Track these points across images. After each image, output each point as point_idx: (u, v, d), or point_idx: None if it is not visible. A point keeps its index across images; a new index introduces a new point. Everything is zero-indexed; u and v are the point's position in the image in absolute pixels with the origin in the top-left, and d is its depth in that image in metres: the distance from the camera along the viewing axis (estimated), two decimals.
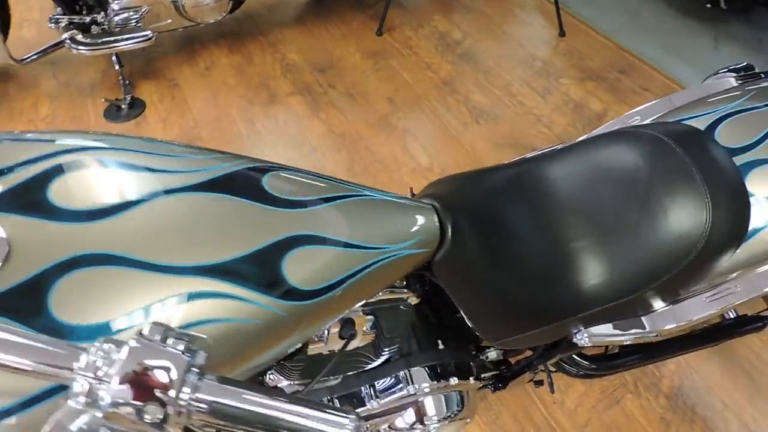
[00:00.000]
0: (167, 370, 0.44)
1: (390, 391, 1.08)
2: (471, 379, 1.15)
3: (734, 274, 0.97)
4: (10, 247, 0.53)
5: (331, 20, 2.88)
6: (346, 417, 0.51)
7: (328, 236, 0.69)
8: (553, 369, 1.30)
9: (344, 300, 0.71)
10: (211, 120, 2.39)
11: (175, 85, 2.56)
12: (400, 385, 1.07)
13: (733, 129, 1.00)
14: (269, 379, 0.95)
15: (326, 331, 0.87)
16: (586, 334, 1.02)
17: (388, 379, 1.08)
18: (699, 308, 1.00)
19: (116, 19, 2.41)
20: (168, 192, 0.62)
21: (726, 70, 1.21)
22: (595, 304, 0.96)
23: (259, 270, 0.63)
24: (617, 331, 1.03)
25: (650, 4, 2.92)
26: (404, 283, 0.92)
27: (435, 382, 1.08)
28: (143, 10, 2.43)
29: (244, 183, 0.69)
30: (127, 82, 2.52)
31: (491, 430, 1.50)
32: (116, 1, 2.38)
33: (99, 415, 0.42)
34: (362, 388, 1.10)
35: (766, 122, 0.99)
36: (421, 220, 0.81)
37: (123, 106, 2.46)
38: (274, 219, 0.67)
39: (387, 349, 0.98)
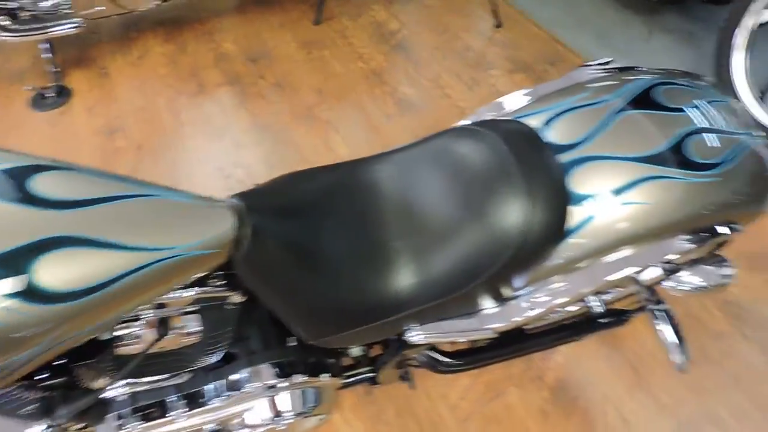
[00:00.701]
0: None
1: (235, 388, 1.09)
2: (323, 376, 1.16)
3: (559, 274, 0.99)
4: None
5: (272, 9, 2.86)
6: None
7: (96, 237, 0.68)
8: (416, 364, 1.32)
9: (116, 302, 0.70)
10: (136, 110, 2.38)
11: (106, 74, 2.55)
12: (246, 383, 1.08)
13: (567, 125, 1.00)
14: None
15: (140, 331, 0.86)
16: (418, 332, 1.03)
17: (236, 376, 1.09)
18: (527, 307, 1.01)
19: (44, 4, 2.39)
20: None
21: (596, 63, 1.20)
22: (416, 303, 0.97)
23: (4, 272, 0.63)
24: (451, 330, 1.04)
25: None
26: (224, 282, 0.92)
27: (280, 380, 1.09)
28: None
29: (3, 183, 0.69)
30: (56, 69, 2.50)
31: (373, 425, 1.52)
32: None
33: None
34: (208, 385, 1.11)
35: (596, 118, 0.99)
36: (212, 220, 0.80)
37: (49, 95, 2.45)
38: (31, 220, 0.66)
39: (211, 348, 0.99)
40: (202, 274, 0.84)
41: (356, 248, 0.96)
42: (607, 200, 0.93)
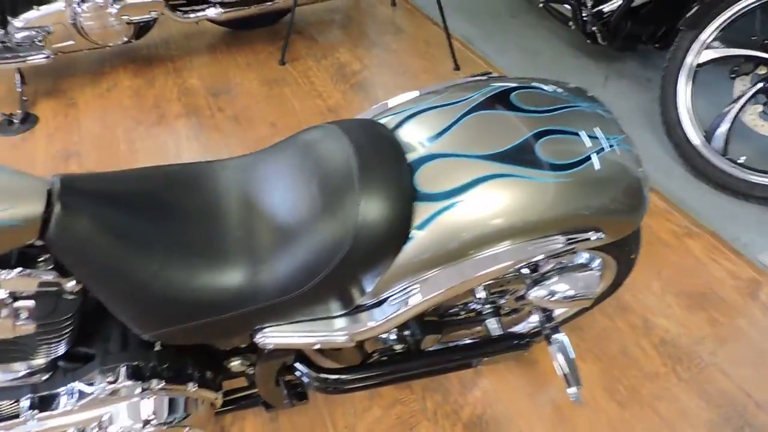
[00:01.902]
0: None
1: (89, 390, 1.04)
2: (190, 385, 1.10)
3: (412, 275, 0.94)
4: None
5: (242, 50, 2.95)
6: None
7: None
8: (297, 382, 1.24)
9: None
10: (95, 137, 2.42)
11: (73, 104, 2.61)
12: (99, 385, 1.02)
13: (419, 124, 1.00)
14: None
15: None
16: (268, 335, 0.98)
17: (90, 377, 1.04)
18: (387, 309, 0.97)
19: (18, 36, 2.48)
20: None
21: (478, 74, 1.21)
22: (256, 300, 0.92)
23: None
24: (302, 334, 0.99)
25: (551, 43, 2.97)
26: (51, 266, 0.89)
27: (135, 383, 1.03)
28: (46, 29, 2.50)
29: None
30: (24, 98, 2.58)
31: None
32: (17, 20, 2.46)
33: None
34: (63, 386, 1.06)
35: (448, 117, 0.98)
36: (18, 192, 0.78)
37: (15, 121, 2.51)
38: None
39: (49, 339, 0.94)
40: (8, 250, 0.81)
41: (192, 241, 0.92)
42: (453, 198, 0.90)
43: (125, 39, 2.65)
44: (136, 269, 0.86)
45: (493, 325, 1.26)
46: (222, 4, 2.71)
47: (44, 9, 2.48)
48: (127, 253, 0.85)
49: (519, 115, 1.01)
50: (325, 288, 0.91)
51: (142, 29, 2.73)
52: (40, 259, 0.89)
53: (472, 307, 1.29)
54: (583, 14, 2.51)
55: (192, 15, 2.72)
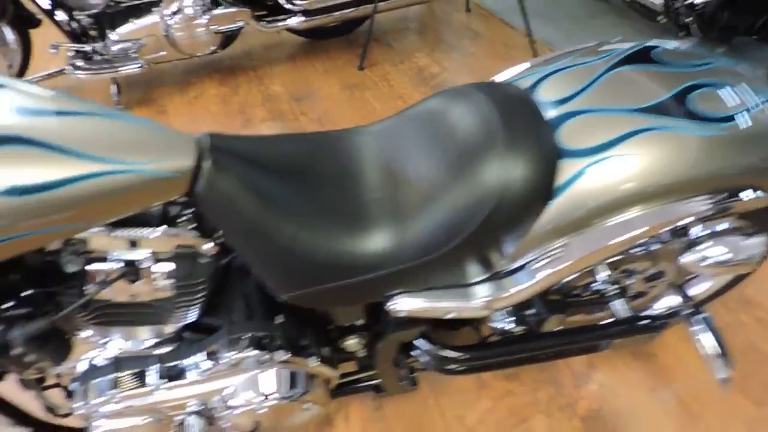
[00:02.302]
0: None
1: (215, 360, 1.03)
2: (311, 360, 1.07)
3: (554, 238, 0.89)
4: None
5: (319, 58, 3.01)
6: None
7: (44, 140, 0.68)
8: (418, 364, 1.19)
9: (68, 208, 0.69)
10: None
11: (163, 111, 2.72)
12: (225, 354, 1.01)
13: (555, 84, 0.96)
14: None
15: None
16: (398, 300, 0.94)
17: (216, 347, 1.03)
18: (526, 276, 0.91)
19: (114, 48, 2.62)
20: None
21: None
22: (394, 263, 0.90)
23: None
24: (439, 301, 0.94)
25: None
26: (194, 224, 0.89)
27: (261, 353, 1.02)
28: (140, 41, 2.63)
29: None
30: (120, 106, 2.71)
31: None
32: (114, 33, 2.60)
33: None
34: (189, 357, 1.05)
35: (586, 76, 0.95)
36: (173, 146, 0.78)
37: None
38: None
39: (184, 304, 0.94)
40: (162, 203, 0.81)
41: (332, 202, 0.91)
42: (600, 153, 0.85)
43: (212, 49, 2.76)
44: (278, 229, 0.85)
45: (619, 307, 1.18)
46: (304, 13, 2.78)
47: (139, 22, 2.62)
48: (270, 212, 0.84)
49: (664, 70, 0.96)
50: (464, 251, 0.87)
51: (227, 39, 2.82)
52: (179, 221, 0.90)
53: (596, 288, 1.21)
54: (676, 5, 2.42)
55: (275, 24, 2.80)
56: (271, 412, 1.07)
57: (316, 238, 0.86)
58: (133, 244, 0.86)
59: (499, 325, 1.18)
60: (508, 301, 0.92)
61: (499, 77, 1.09)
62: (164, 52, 2.70)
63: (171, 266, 0.88)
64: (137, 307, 0.93)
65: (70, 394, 1.20)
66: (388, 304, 0.94)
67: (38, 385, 1.17)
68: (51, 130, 0.70)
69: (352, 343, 1.16)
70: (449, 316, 0.95)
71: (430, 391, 1.46)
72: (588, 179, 0.85)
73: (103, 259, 0.85)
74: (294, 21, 2.79)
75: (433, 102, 0.97)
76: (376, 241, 0.88)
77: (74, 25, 2.63)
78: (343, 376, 1.28)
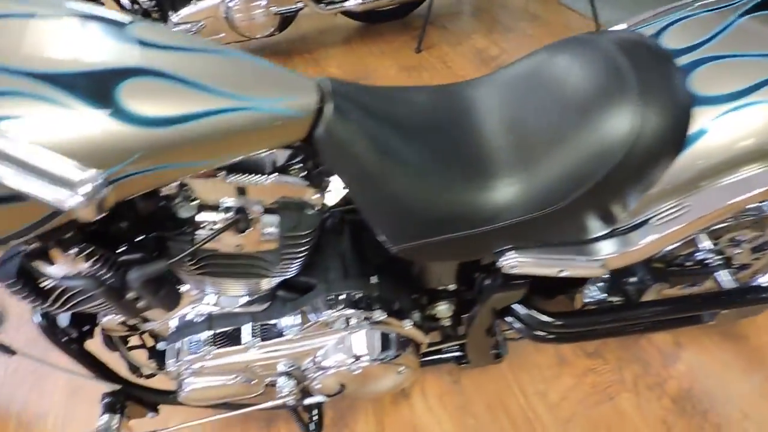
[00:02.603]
0: None
1: (311, 318, 1.01)
2: (406, 322, 1.05)
3: (681, 194, 0.84)
4: None
5: (374, 41, 2.99)
6: (83, 170, 0.48)
7: (179, 75, 0.68)
8: (516, 335, 1.16)
9: (194, 143, 0.68)
10: None
11: None
12: (322, 312, 1.00)
13: (684, 30, 0.91)
14: None
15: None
16: (512, 257, 0.91)
17: (312, 305, 1.02)
18: (646, 232, 0.87)
19: (175, 30, 2.65)
20: None
21: None
22: (511, 215, 0.86)
23: (92, 85, 0.63)
24: (551, 257, 0.91)
25: None
26: (305, 173, 0.88)
27: (358, 311, 1.00)
28: (200, 24, 2.66)
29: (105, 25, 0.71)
30: None
31: (460, 416, 1.35)
32: (175, 15, 2.63)
33: None
34: (284, 316, 1.04)
35: (715, 22, 0.89)
36: (296, 87, 0.77)
37: None
38: (120, 51, 0.67)
39: (288, 256, 0.92)
40: (283, 144, 0.79)
41: (450, 153, 0.88)
42: (739, 100, 0.80)
43: (270, 30, 2.76)
44: (395, 177, 0.83)
45: (724, 278, 1.12)
46: None
47: (200, 4, 2.64)
48: (388, 160, 0.82)
49: None
50: (585, 203, 0.83)
51: (285, 22, 2.83)
52: (290, 170, 0.88)
53: (699, 258, 1.16)
54: None
55: (333, 6, 2.79)
56: (363, 374, 1.06)
57: (433, 188, 0.84)
58: (242, 192, 0.85)
59: (594, 294, 1.14)
60: (626, 259, 0.88)
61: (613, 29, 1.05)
62: (223, 34, 2.72)
63: (278, 217, 0.87)
64: (240, 259, 0.92)
65: (152, 355, 1.21)
66: (501, 259, 0.91)
67: (123, 345, 1.18)
68: (183, 64, 0.69)
69: (442, 309, 1.14)
70: (563, 275, 0.91)
71: (508, 367, 1.42)
72: (722, 128, 0.80)
73: (215, 207, 0.84)
74: (352, 3, 2.77)
75: (552, 50, 0.93)
76: (494, 193, 0.85)
77: (136, 7, 2.68)
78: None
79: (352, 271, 1.05)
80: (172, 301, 0.91)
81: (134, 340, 1.18)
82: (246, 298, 1.03)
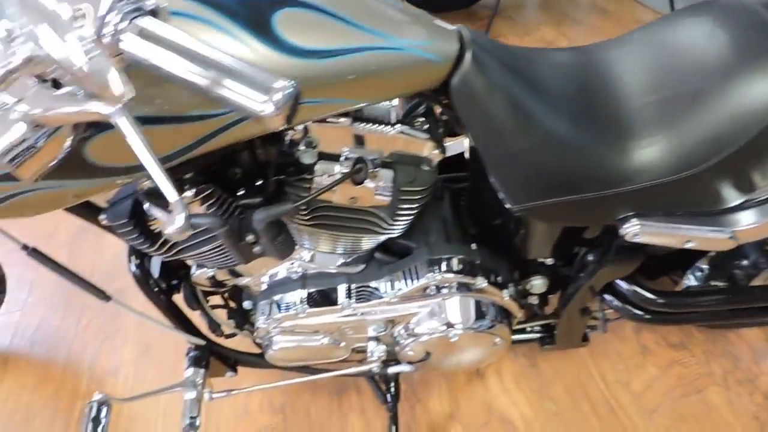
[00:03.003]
0: None
1: (410, 282, 1.00)
2: (506, 291, 1.03)
3: None
4: None
5: None
6: (278, 79, 0.48)
7: (333, 11, 0.67)
8: (613, 316, 1.13)
9: (339, 80, 0.67)
10: None
11: None
12: (423, 275, 0.98)
13: None
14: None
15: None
16: (636, 223, 0.87)
17: (412, 267, 1.00)
18: None
19: None
20: None
21: None
22: (641, 178, 0.82)
23: (251, 13, 0.63)
24: (678, 226, 0.87)
25: None
26: (425, 127, 0.86)
27: (461, 276, 0.98)
28: None
29: None
30: None
31: (538, 399, 1.32)
32: None
33: None
34: (381, 280, 1.03)
35: None
36: (438, 32, 0.75)
37: None
38: None
39: (399, 215, 0.91)
40: (413, 93, 0.78)
41: (581, 111, 0.85)
42: None
43: None
44: (526, 133, 0.80)
45: None
46: None
47: None
48: (521, 115, 0.80)
49: None
50: (724, 169, 0.79)
51: None
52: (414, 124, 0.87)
53: None
54: None
55: None
56: (457, 342, 1.04)
57: (564, 147, 0.81)
58: (362, 143, 0.84)
59: (698, 276, 1.10)
60: (760, 232, 0.84)
61: None
62: None
63: (394, 172, 0.86)
64: (352, 213, 0.91)
65: (232, 316, 1.22)
66: (626, 227, 0.87)
67: (205, 303, 1.18)
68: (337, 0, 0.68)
69: (537, 283, 1.11)
70: (688, 245, 0.87)
71: (588, 354, 1.39)
72: None
73: (335, 157, 0.84)
74: None
75: (692, 12, 0.89)
76: (627, 156, 0.82)
77: None
78: None
79: (454, 236, 1.03)
80: (288, 248, 0.91)
81: (215, 300, 1.18)
82: (343, 258, 1.03)
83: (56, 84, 0.51)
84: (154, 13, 0.50)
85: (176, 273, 1.12)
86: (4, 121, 0.50)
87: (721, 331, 1.39)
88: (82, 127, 0.58)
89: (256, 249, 0.88)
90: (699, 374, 1.32)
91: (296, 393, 1.42)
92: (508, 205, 0.87)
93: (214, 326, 1.22)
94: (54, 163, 0.56)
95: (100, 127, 0.61)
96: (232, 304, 1.19)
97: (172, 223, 0.51)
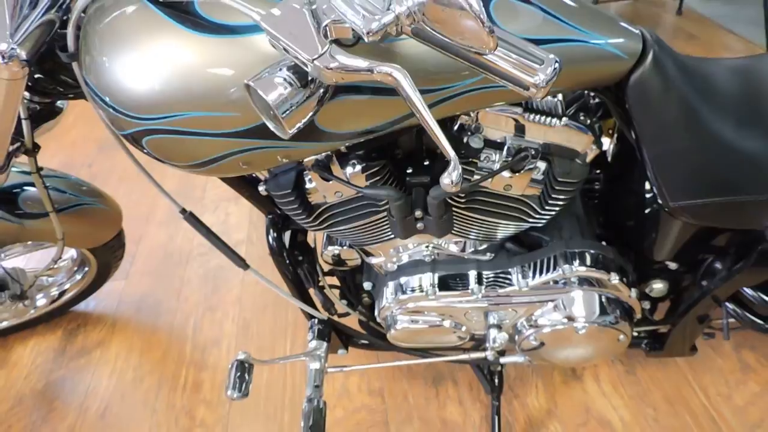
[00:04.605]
0: None
1: (543, 273, 1.05)
2: (634, 290, 1.06)
3: None
4: None
5: None
6: (548, 55, 0.53)
7: (539, 3, 0.73)
8: (735, 324, 1.15)
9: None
10: None
11: None
12: (559, 267, 1.03)
13: None
14: None
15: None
16: None
17: (545, 258, 1.05)
18: None
19: None
20: None
21: None
22: None
23: None
24: None
25: None
26: (588, 122, 0.91)
27: (598, 271, 1.02)
28: None
29: None
30: None
31: (637, 405, 1.34)
32: None
33: None
34: (513, 268, 1.08)
35: None
36: (623, 30, 0.81)
37: None
38: None
39: (553, 201, 0.96)
40: (596, 86, 0.83)
41: (750, 117, 0.89)
42: None
43: None
44: (693, 133, 0.85)
45: None
46: None
47: None
48: (689, 116, 0.84)
49: None
50: None
51: None
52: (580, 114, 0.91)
53: None
54: None
55: None
56: (583, 335, 1.08)
57: (727, 150, 0.85)
58: (522, 131, 0.89)
59: None
60: None
61: None
62: None
63: (552, 163, 0.91)
64: (505, 200, 0.96)
65: (344, 296, 1.28)
66: None
67: (325, 281, 1.25)
68: None
69: (658, 287, 1.14)
70: None
71: (687, 366, 1.40)
72: None
73: (499, 145, 0.89)
74: None
75: None
76: None
77: None
78: None
79: (587, 232, 1.07)
80: (450, 226, 0.97)
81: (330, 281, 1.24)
82: (475, 246, 1.08)
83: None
84: None
85: (302, 250, 1.20)
86: (282, 79, 0.58)
87: None
88: (332, 89, 0.65)
89: (419, 225, 0.94)
90: None
91: (393, 378, 1.47)
92: (662, 202, 0.91)
93: (329, 304, 1.29)
94: (308, 119, 0.63)
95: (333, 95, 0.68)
96: (349, 284, 1.26)
97: (449, 176, 0.57)
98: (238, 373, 1.08)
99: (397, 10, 0.50)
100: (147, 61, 0.68)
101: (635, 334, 1.29)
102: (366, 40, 0.52)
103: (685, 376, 1.38)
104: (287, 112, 0.59)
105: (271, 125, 0.63)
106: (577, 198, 1.13)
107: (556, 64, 0.53)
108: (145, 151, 0.76)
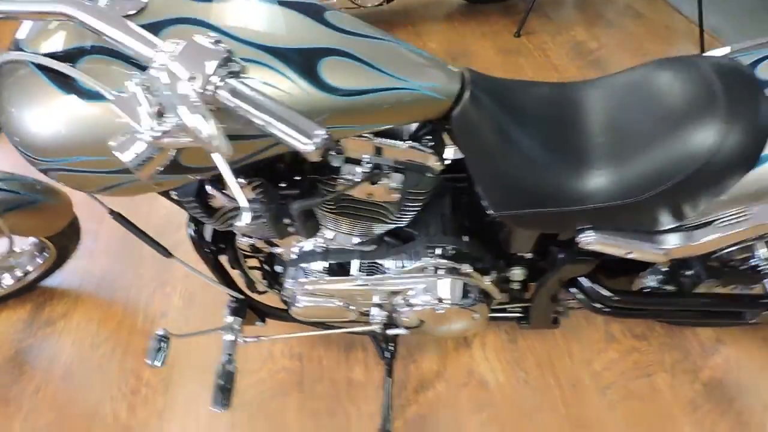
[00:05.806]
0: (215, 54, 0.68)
1: (410, 262, 1.24)
2: (486, 278, 1.26)
3: (747, 202, 1.00)
4: None
5: (476, 20, 3.12)
6: (318, 128, 0.70)
7: (363, 57, 0.88)
8: (576, 305, 1.36)
9: (364, 111, 0.88)
10: None
11: None
12: (421, 258, 1.22)
13: None
14: None
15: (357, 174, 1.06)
16: (590, 235, 1.09)
17: (413, 252, 1.25)
18: (709, 231, 1.04)
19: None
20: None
21: None
22: (596, 199, 1.04)
23: (302, 60, 0.84)
24: (623, 240, 1.09)
25: None
26: (431, 144, 1.07)
27: (451, 262, 1.22)
28: None
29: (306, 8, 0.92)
30: None
31: (512, 368, 1.57)
32: None
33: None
34: (387, 259, 1.28)
35: None
36: (444, 74, 0.96)
37: None
38: (321, 33, 0.88)
39: (405, 209, 1.15)
40: (423, 120, 0.99)
41: (554, 140, 1.06)
42: None
43: (380, 0, 2.96)
44: (508, 157, 1.01)
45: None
46: None
47: None
48: (505, 142, 1.00)
49: None
50: (662, 199, 0.99)
51: None
52: (421, 139, 1.08)
53: (753, 264, 1.30)
54: None
55: None
56: (444, 314, 1.29)
57: (537, 170, 1.02)
58: (380, 153, 1.06)
59: (653, 280, 1.31)
60: (687, 251, 1.05)
61: (711, 53, 1.18)
62: (334, 0, 2.93)
63: (403, 176, 1.07)
64: (368, 206, 1.15)
65: (265, 276, 1.49)
66: (581, 236, 1.09)
67: (245, 264, 1.45)
68: (366, 49, 0.89)
69: (516, 272, 1.34)
70: (630, 256, 1.09)
71: (561, 336, 1.62)
72: None
73: (358, 162, 1.07)
74: None
75: (660, 66, 1.07)
76: (586, 181, 1.03)
77: None
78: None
79: (449, 229, 1.26)
80: (314, 230, 1.16)
81: (251, 263, 1.44)
82: (360, 239, 1.28)
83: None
84: (237, 73, 0.72)
85: (224, 238, 1.39)
86: (134, 142, 0.75)
87: (679, 327, 1.60)
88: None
89: (290, 229, 1.14)
90: (652, 361, 1.54)
91: (312, 345, 1.70)
92: (489, 212, 1.10)
93: (250, 284, 1.50)
94: (162, 166, 0.81)
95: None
96: (267, 267, 1.47)
97: (240, 221, 0.76)
98: (157, 346, 1.30)
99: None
100: (41, 117, 0.83)
101: (510, 309, 1.51)
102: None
103: (558, 344, 1.60)
104: (140, 165, 0.77)
105: (134, 172, 0.81)
106: (446, 196, 1.31)
107: (326, 138, 0.68)
108: (58, 182, 0.94)
